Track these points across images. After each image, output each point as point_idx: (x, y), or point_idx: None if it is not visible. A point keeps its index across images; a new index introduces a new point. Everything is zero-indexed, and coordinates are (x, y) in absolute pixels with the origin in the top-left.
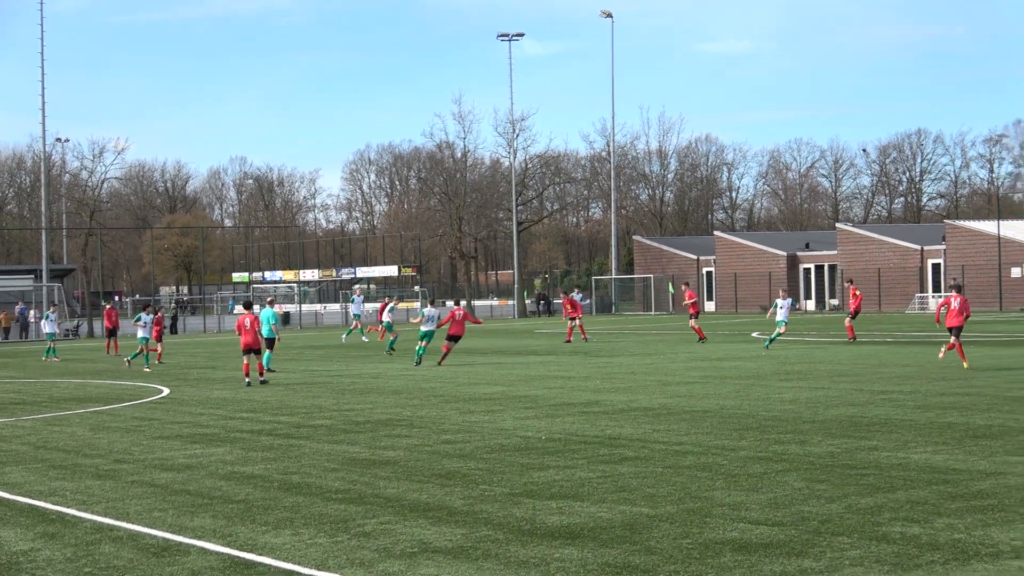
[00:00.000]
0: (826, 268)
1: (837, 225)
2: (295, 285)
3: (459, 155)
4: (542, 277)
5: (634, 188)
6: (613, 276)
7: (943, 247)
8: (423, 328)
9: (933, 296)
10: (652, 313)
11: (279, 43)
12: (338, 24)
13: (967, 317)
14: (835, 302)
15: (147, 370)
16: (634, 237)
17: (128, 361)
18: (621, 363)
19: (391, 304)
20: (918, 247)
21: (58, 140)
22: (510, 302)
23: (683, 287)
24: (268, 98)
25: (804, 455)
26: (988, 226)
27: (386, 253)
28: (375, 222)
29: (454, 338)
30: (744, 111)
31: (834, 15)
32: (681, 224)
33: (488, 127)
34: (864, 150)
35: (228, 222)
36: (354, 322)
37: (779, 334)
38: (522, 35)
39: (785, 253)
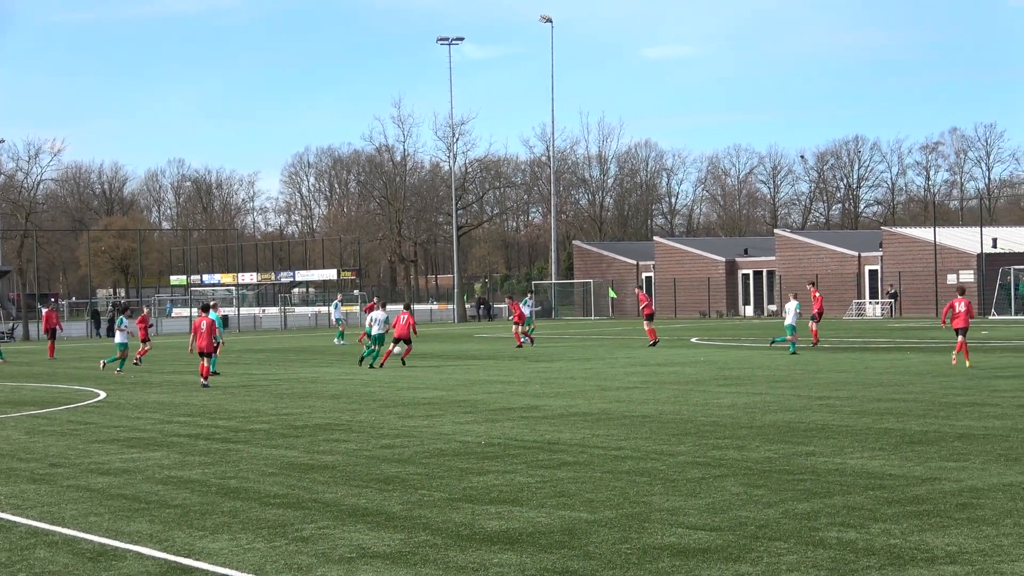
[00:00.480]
0: (764, 274)
1: (775, 231)
2: (233, 288)
3: (399, 159)
4: (482, 282)
5: (574, 193)
6: (553, 281)
7: (880, 253)
8: (372, 331)
9: (871, 302)
10: (592, 318)
11: (219, 44)
12: (278, 25)
13: (972, 318)
14: (773, 308)
15: (119, 372)
16: (574, 242)
17: (104, 363)
18: (561, 368)
19: (384, 315)
20: (855, 253)
21: None
22: (450, 306)
23: (636, 291)
24: (207, 100)
25: (742, 460)
26: (925, 233)
27: (325, 256)
28: (314, 225)
29: (400, 340)
30: (684, 116)
31: (775, 21)
32: (621, 229)
33: (428, 131)
34: (802, 156)
35: (166, 224)
36: (339, 326)
37: (793, 344)
38: (462, 39)
39: (724, 259)
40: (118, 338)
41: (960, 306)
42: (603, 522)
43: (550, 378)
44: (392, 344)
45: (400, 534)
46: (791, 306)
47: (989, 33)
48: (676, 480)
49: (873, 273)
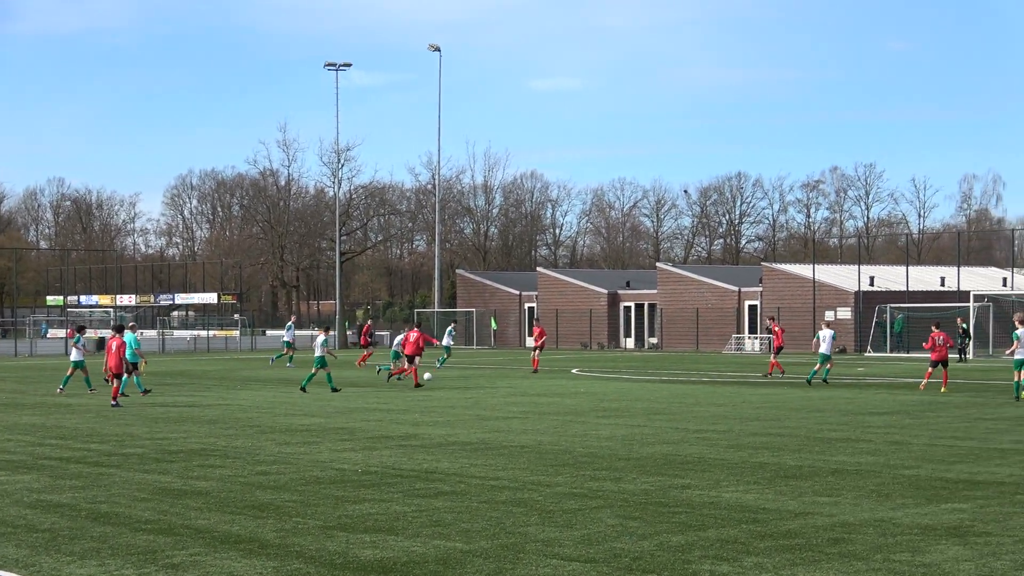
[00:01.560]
0: (646, 307)
1: (657, 264)
2: (111, 310)
3: (283, 183)
4: (364, 308)
5: (459, 222)
6: (436, 309)
7: (760, 289)
8: (322, 354)
9: (749, 337)
10: (474, 347)
11: (102, 63)
12: (163, 47)
13: (950, 347)
14: (654, 340)
15: (93, 391)
16: (457, 271)
17: (60, 389)
18: (440, 397)
19: (322, 337)
20: (736, 288)
21: None
22: (332, 332)
23: (535, 323)
24: (89, 119)
25: (619, 492)
26: (804, 269)
27: (206, 280)
28: (196, 248)
29: (412, 357)
30: (570, 149)
31: (661, 57)
32: (505, 259)
33: (313, 156)
34: (686, 191)
35: (44, 244)
36: (285, 349)
37: (828, 370)
38: (349, 65)
39: (606, 291)
40: (75, 356)
41: (939, 339)
42: (478, 552)
43: (430, 407)
44: (407, 362)
45: (273, 562)
46: (827, 334)
47: (870, 74)
48: (552, 511)
49: (753, 308)
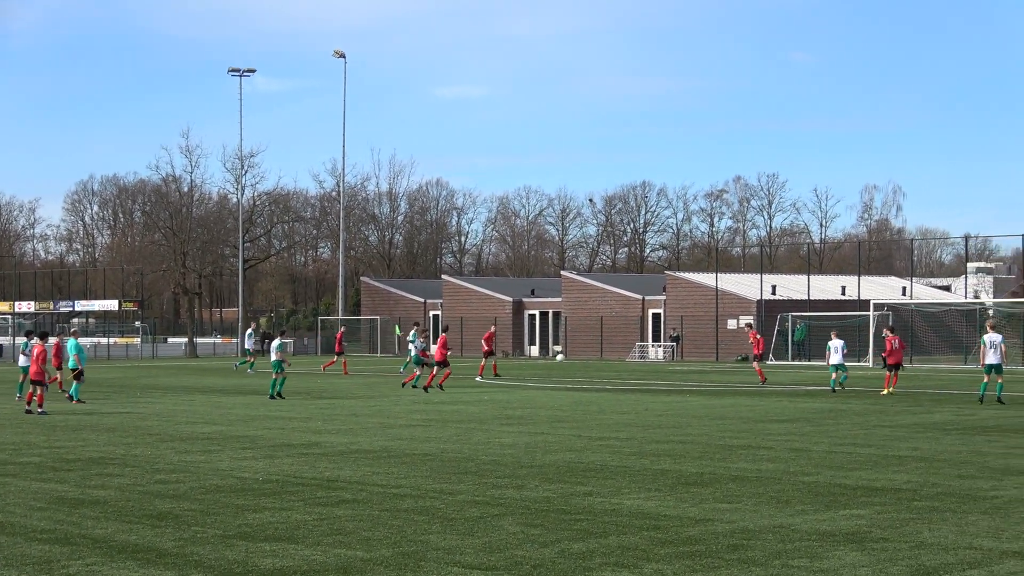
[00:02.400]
0: (551, 315)
1: (562, 272)
2: (9, 317)
3: (186, 190)
4: (268, 316)
5: (363, 229)
6: (340, 317)
7: (664, 297)
8: (278, 358)
9: (653, 345)
10: (378, 355)
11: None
12: (64, 49)
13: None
14: (559, 348)
15: (79, 402)
16: (362, 278)
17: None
18: (344, 405)
19: (278, 341)
20: (640, 297)
21: None
22: (234, 340)
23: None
24: None
25: (521, 500)
26: (707, 278)
27: (107, 287)
28: (97, 255)
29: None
30: (475, 157)
31: (567, 66)
32: (410, 267)
33: (217, 162)
34: (591, 200)
35: None
36: (247, 356)
37: (845, 377)
38: (254, 71)
39: (511, 299)
40: (21, 362)
41: (895, 343)
42: (379, 560)
43: (333, 415)
44: (434, 367)
45: (171, 571)
46: (838, 344)
47: (773, 85)
48: (454, 519)
49: (656, 316)
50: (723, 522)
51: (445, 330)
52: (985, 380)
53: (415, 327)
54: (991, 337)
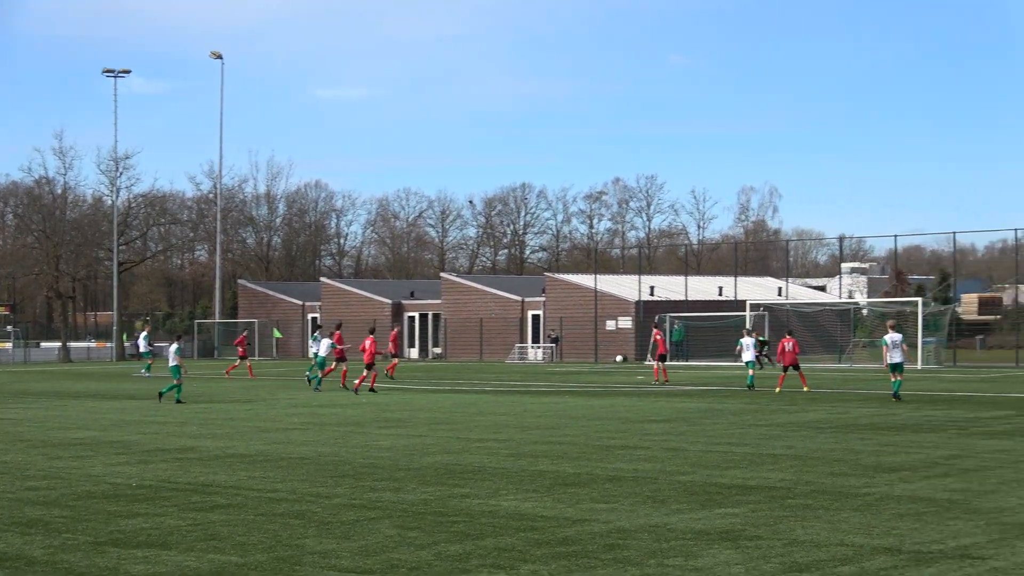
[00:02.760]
0: (430, 316)
1: (442, 274)
2: None
3: (59, 192)
4: (143, 319)
5: (241, 231)
6: (217, 320)
7: (543, 299)
8: (176, 363)
9: (533, 346)
10: (256, 358)
11: None
12: None
13: (798, 354)
14: (438, 351)
15: None
16: (239, 281)
17: None
18: (220, 409)
19: (175, 346)
20: (519, 298)
21: None
22: (108, 344)
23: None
24: None
25: (398, 502)
26: (586, 280)
27: None
28: None
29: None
30: (355, 158)
31: (445, 68)
32: (288, 269)
33: (91, 164)
34: (471, 202)
35: None
36: (148, 359)
37: (751, 376)
38: (129, 71)
39: (391, 301)
40: None
41: (788, 345)
42: (253, 565)
43: (209, 419)
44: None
45: None
46: (749, 342)
47: (651, 87)
48: (330, 522)
49: (536, 318)
50: (599, 522)
51: (372, 332)
52: (893, 379)
53: (318, 330)
54: (892, 337)
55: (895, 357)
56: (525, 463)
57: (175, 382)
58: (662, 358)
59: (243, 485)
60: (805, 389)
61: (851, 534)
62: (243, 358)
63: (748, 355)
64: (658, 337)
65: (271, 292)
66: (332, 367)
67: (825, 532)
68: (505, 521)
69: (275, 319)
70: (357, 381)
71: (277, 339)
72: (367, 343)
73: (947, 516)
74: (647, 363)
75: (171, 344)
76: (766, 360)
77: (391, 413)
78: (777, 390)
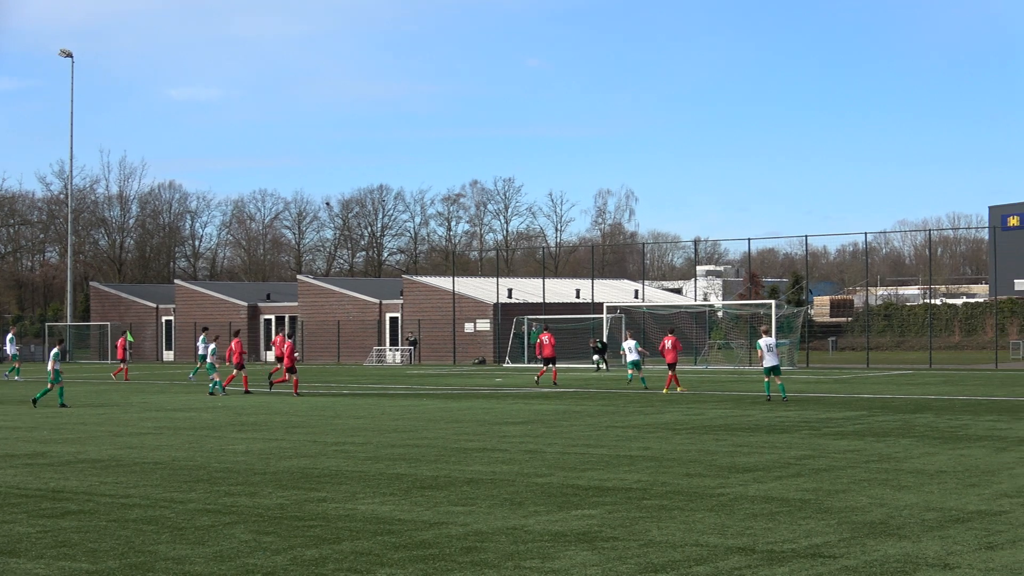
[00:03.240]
0: (287, 319)
1: (298, 277)
2: None
3: None
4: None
5: (93, 233)
6: (68, 323)
7: (401, 301)
8: (56, 367)
9: (391, 349)
10: (109, 361)
11: None
12: None
13: (679, 351)
14: (297, 355)
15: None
16: (91, 283)
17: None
18: (72, 413)
19: (56, 350)
20: (377, 301)
21: None
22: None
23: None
24: None
25: (253, 507)
26: (444, 282)
27: None
28: None
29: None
30: (209, 159)
31: (302, 68)
32: (142, 271)
33: None
34: (328, 203)
35: None
36: (15, 361)
37: (631, 375)
38: None
39: (246, 303)
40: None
41: (668, 343)
42: (105, 572)
43: (59, 424)
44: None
45: None
46: (631, 344)
47: (508, 90)
48: (184, 528)
49: (394, 320)
50: (457, 525)
51: (290, 336)
52: (766, 380)
53: (204, 332)
54: (767, 341)
55: (770, 360)
56: (382, 466)
57: (49, 387)
58: (552, 360)
59: (95, 491)
60: (679, 389)
61: (706, 534)
62: (123, 360)
63: (632, 356)
64: (545, 341)
65: (124, 295)
66: (234, 374)
67: (680, 532)
68: (362, 525)
69: (128, 322)
70: (225, 381)
71: (130, 343)
72: (233, 345)
73: (799, 516)
74: (505, 364)
75: (52, 348)
76: (603, 364)
77: (246, 417)
78: (664, 391)
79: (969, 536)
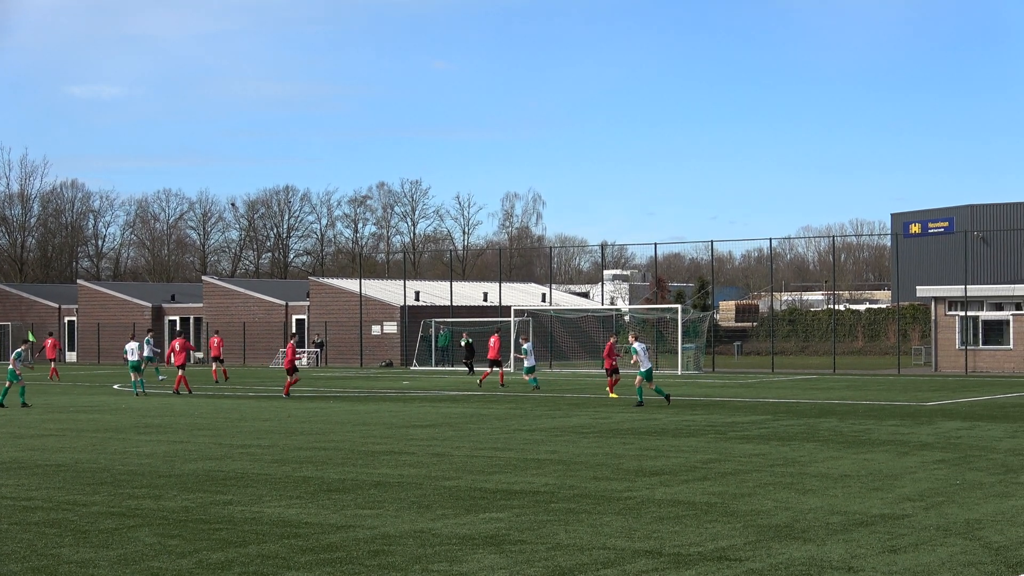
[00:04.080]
0: (192, 320)
1: (204, 278)
2: None
3: None
4: None
5: None
6: None
7: (307, 303)
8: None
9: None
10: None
11: None
12: None
13: (618, 357)
14: (200, 355)
15: None
16: None
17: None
18: None
19: (20, 350)
20: (283, 302)
21: None
22: (27, 346)
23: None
24: None
25: (158, 510)
26: (351, 284)
27: None
28: None
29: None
30: (113, 158)
31: (207, 67)
32: (44, 271)
33: None
34: (233, 204)
35: None
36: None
37: (534, 379)
38: None
39: (151, 304)
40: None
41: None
42: (7, 575)
43: None
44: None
45: None
46: (528, 347)
47: (415, 92)
48: (88, 531)
49: (300, 322)
50: (364, 528)
51: (293, 337)
52: (639, 386)
53: (149, 332)
54: (640, 345)
55: (646, 364)
56: (289, 469)
57: (7, 385)
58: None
59: None
60: (612, 396)
61: (613, 537)
62: (53, 360)
63: (530, 360)
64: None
65: (25, 294)
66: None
67: (588, 535)
68: (268, 528)
69: (30, 323)
70: (175, 384)
71: (31, 343)
72: (176, 345)
73: (706, 519)
74: (413, 367)
75: (14, 349)
76: (465, 365)
77: (150, 419)
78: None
79: (873, 539)
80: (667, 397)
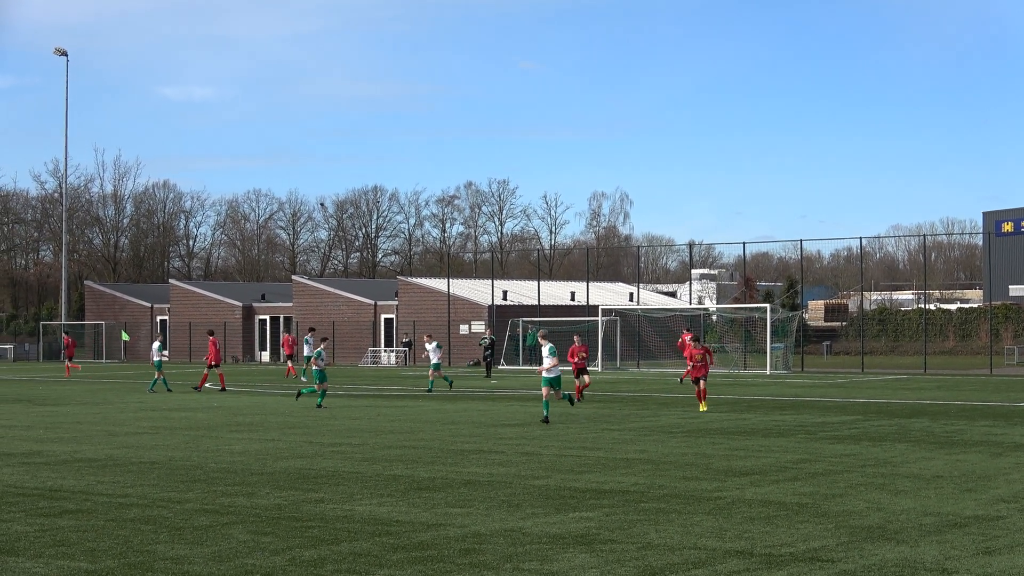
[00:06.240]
0: (281, 320)
1: (293, 277)
2: None
3: None
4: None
5: (87, 232)
6: (63, 322)
7: (396, 303)
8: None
9: (386, 350)
10: (104, 361)
11: None
12: None
13: (584, 357)
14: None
15: None
16: (86, 282)
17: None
18: (67, 412)
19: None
20: (372, 302)
21: None
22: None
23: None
24: None
25: (251, 507)
26: (439, 283)
27: None
28: None
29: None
30: (203, 159)
31: (296, 68)
32: (136, 271)
33: None
34: (322, 204)
35: None
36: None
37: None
38: None
39: (241, 303)
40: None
41: (579, 353)
42: (104, 572)
43: (56, 422)
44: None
45: None
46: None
47: (503, 92)
48: (182, 528)
49: (389, 322)
50: (455, 526)
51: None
52: (546, 395)
53: (310, 332)
54: (550, 347)
55: (553, 372)
56: (379, 467)
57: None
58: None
59: (92, 490)
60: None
61: (704, 537)
62: (70, 358)
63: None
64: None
65: (119, 294)
66: (207, 374)
67: (678, 535)
68: (360, 526)
69: (123, 322)
70: (200, 382)
71: (125, 342)
72: (209, 345)
73: (797, 519)
74: (501, 366)
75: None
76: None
77: (243, 417)
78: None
79: (967, 541)
80: (571, 400)
